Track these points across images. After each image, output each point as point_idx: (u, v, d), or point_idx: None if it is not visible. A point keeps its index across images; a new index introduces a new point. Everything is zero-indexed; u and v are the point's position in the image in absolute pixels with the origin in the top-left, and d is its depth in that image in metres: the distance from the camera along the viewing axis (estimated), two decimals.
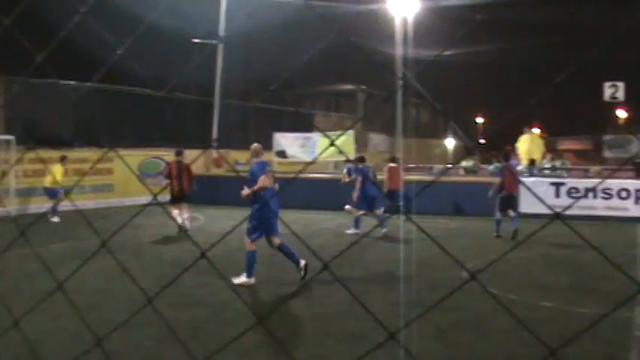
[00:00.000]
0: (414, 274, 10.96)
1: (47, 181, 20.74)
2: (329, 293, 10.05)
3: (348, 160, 18.28)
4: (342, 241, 16.31)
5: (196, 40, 30.95)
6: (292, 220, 18.60)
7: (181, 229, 16.86)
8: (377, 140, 52.29)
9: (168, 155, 28.04)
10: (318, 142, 29.00)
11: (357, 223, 17.67)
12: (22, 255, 12.77)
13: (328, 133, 30.88)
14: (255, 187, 11.11)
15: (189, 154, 27.99)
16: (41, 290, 9.98)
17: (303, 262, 11.17)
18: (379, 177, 19.67)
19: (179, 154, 18.26)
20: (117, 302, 9.86)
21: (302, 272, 11.12)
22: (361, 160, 19.04)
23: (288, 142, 29.85)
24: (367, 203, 17.60)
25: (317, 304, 9.63)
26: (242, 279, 10.98)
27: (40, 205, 22.70)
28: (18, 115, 23.09)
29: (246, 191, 11.19)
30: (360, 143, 44.95)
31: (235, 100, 36.38)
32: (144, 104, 28.32)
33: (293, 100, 47.43)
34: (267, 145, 30.34)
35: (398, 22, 29.63)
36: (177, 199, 17.69)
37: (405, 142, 43.29)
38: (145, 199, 26.07)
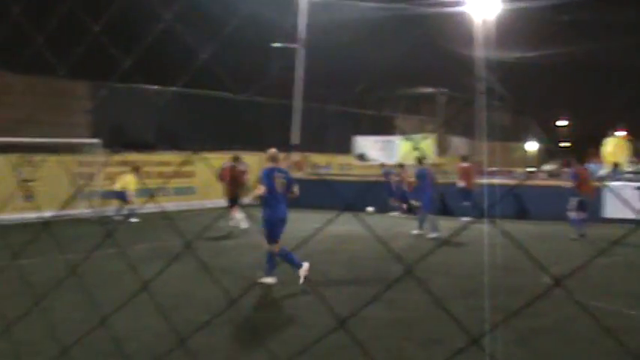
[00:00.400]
0: (494, 278, 10.80)
1: (118, 186, 21.27)
2: (409, 297, 9.98)
3: (419, 162, 18.16)
4: (422, 244, 16.19)
5: (276, 45, 31.19)
6: (373, 223, 18.51)
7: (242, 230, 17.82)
8: (457, 143, 51.74)
9: (249, 158, 28.39)
10: (398, 145, 28.95)
11: (434, 227, 17.52)
12: (107, 255, 13.09)
13: (410, 136, 30.82)
14: (255, 194, 11.41)
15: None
16: (125, 290, 10.24)
17: (269, 280, 11.09)
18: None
19: (236, 159, 18.97)
20: (198, 303, 9.99)
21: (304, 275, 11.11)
22: (420, 162, 18.92)
23: (368, 145, 29.89)
24: (428, 204, 17.54)
25: (397, 308, 9.57)
26: (268, 279, 11.07)
27: (121, 207, 23.33)
28: (104, 120, 23.66)
29: (254, 193, 11.42)
30: (441, 146, 44.62)
31: (315, 104, 36.54)
32: (225, 108, 28.67)
33: (373, 103, 47.26)
34: (348, 147, 30.42)
35: (479, 24, 29.28)
36: (233, 202, 18.41)
37: (485, 146, 42.72)
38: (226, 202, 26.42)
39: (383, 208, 23.20)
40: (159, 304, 8.16)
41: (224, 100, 28.81)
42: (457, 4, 29.70)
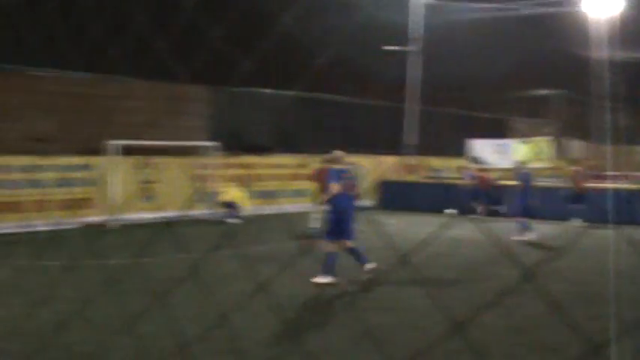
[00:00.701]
0: (616, 286, 10.47)
1: (227, 197, 21.62)
2: (524, 303, 9.79)
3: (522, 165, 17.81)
4: (528, 249, 15.84)
5: (389, 47, 31.13)
6: (485, 227, 18.29)
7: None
8: (575, 147, 50.37)
9: (363, 161, 28.45)
10: (513, 148, 28.43)
11: (526, 228, 17.15)
12: (224, 255, 13.43)
13: (528, 139, 30.20)
14: (326, 195, 11.79)
15: (384, 160, 28.28)
16: (242, 289, 10.46)
17: (370, 266, 11.36)
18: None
19: (331, 161, 18.68)
20: (312, 304, 10.10)
21: (367, 275, 11.31)
22: (522, 165, 18.39)
23: (482, 148, 29.45)
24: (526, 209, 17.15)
25: (512, 314, 9.41)
26: (324, 279, 11.04)
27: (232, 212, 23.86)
28: (222, 123, 24.19)
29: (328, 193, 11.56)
30: (558, 149, 43.48)
31: (430, 107, 36.30)
32: (340, 111, 28.83)
33: (488, 105, 46.53)
34: (462, 151, 30.09)
35: (597, 23, 28.41)
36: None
37: (604, 149, 41.43)
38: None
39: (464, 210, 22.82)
40: (275, 303, 8.29)
41: (340, 103, 28.99)
42: (574, 3, 28.96)
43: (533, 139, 28.39)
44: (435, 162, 29.84)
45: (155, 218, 21.02)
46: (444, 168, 30.11)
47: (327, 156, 12.22)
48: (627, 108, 63.29)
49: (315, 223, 18.37)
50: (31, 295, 10.04)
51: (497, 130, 35.97)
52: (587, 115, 48.16)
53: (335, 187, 11.27)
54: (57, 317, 7.15)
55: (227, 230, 18.85)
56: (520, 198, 17.34)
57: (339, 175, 11.52)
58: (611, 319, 8.24)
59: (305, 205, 25.81)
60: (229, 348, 7.37)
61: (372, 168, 28.85)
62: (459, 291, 11.20)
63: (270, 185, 24.69)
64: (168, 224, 18.73)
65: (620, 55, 31.06)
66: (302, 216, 23.23)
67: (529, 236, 17.07)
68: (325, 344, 7.81)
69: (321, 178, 18.49)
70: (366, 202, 27.23)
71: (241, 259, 12.46)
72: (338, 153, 12.02)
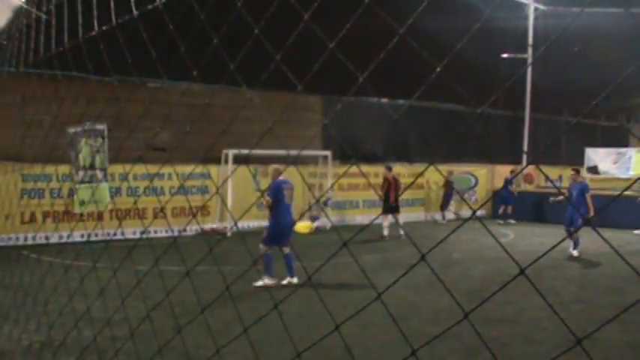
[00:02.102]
0: None
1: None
2: None
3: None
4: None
5: (505, 55, 30.65)
6: (609, 237, 17.68)
7: (383, 237, 19.56)
8: None
9: (477, 170, 28.10)
10: (633, 157, 27.44)
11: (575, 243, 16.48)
12: (336, 264, 13.50)
13: None
14: (265, 205, 13.24)
15: (500, 170, 27.83)
16: (353, 298, 10.50)
17: (294, 280, 12.24)
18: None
19: (390, 169, 20.16)
20: (424, 314, 10.04)
21: (286, 283, 12.20)
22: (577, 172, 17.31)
23: (600, 157, 28.58)
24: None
25: (632, 331, 9.09)
26: (264, 281, 11.97)
27: (353, 217, 23.94)
28: (335, 132, 24.32)
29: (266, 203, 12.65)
30: None
31: (547, 115, 35.50)
32: (453, 120, 28.54)
33: (607, 112, 45.09)
34: (579, 160, 29.24)
35: None
36: (393, 209, 20.09)
37: None
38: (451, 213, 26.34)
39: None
40: (387, 313, 8.28)
41: (453, 111, 28.70)
42: None
43: None
44: (551, 172, 29.01)
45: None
46: (560, 178, 29.31)
47: (273, 169, 13.10)
48: None
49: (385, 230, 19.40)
50: (151, 299, 10.35)
51: (616, 139, 34.79)
52: None
53: (268, 200, 12.36)
54: (174, 321, 7.34)
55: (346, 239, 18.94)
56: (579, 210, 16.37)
57: (281, 187, 12.34)
58: None
59: (417, 214, 25.74)
60: (341, 356, 7.38)
61: (483, 178, 28.48)
62: (573, 304, 10.93)
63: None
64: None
65: None
66: (414, 225, 23.20)
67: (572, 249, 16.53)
68: (434, 355, 7.74)
69: (392, 185, 19.60)
70: (480, 212, 26.94)
71: (355, 267, 12.49)
72: (275, 166, 13.10)
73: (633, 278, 12.21)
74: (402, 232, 19.69)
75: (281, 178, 12.55)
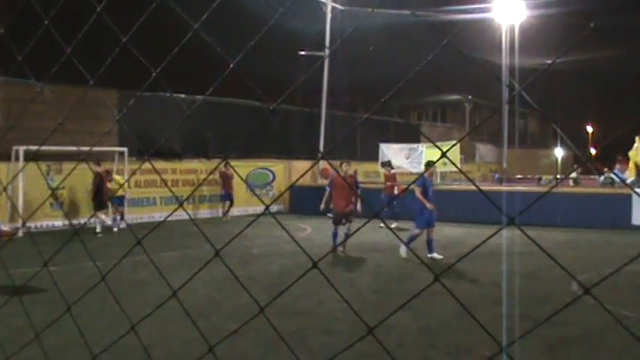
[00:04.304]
0: (521, 286, 10.74)
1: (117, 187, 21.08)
2: (434, 304, 9.94)
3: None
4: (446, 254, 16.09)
5: (303, 53, 31.31)
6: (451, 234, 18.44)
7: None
8: (484, 151, 51.60)
9: (275, 166, 28.50)
10: (423, 152, 28.83)
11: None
12: (134, 262, 13.26)
13: (436, 143, 30.69)
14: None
15: (298, 165, 28.37)
16: (152, 296, 10.31)
17: None
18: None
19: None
20: (225, 310, 10.04)
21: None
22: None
23: (393, 152, 29.73)
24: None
25: (423, 316, 9.55)
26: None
27: (151, 214, 23.54)
28: (130, 128, 23.76)
29: None
30: (467, 154, 44.45)
31: (343, 112, 36.58)
32: (251, 116, 28.77)
33: (399, 110, 47.16)
34: (373, 155, 30.36)
35: (505, 31, 29.12)
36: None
37: (512, 153, 42.54)
38: (252, 209, 26.55)
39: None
40: (186, 311, 8.19)
41: (251, 108, 28.93)
42: (483, 11, 29.65)
43: (443, 143, 28.82)
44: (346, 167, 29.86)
45: (65, 225, 20.64)
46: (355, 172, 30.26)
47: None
48: (532, 114, 65.09)
49: None
50: None
51: (408, 135, 36.41)
52: (495, 120, 49.36)
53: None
54: None
55: (139, 236, 18.54)
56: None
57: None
58: (511, 319, 8.45)
59: (217, 210, 25.73)
60: (140, 357, 7.24)
61: (281, 173, 28.96)
62: (369, 295, 11.32)
63: (180, 191, 24.53)
64: (77, 232, 18.24)
65: (529, 61, 31.93)
66: (213, 221, 23.17)
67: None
68: (236, 351, 7.75)
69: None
70: (276, 206, 27.34)
71: (152, 265, 12.27)
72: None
73: (424, 266, 12.81)
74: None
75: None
